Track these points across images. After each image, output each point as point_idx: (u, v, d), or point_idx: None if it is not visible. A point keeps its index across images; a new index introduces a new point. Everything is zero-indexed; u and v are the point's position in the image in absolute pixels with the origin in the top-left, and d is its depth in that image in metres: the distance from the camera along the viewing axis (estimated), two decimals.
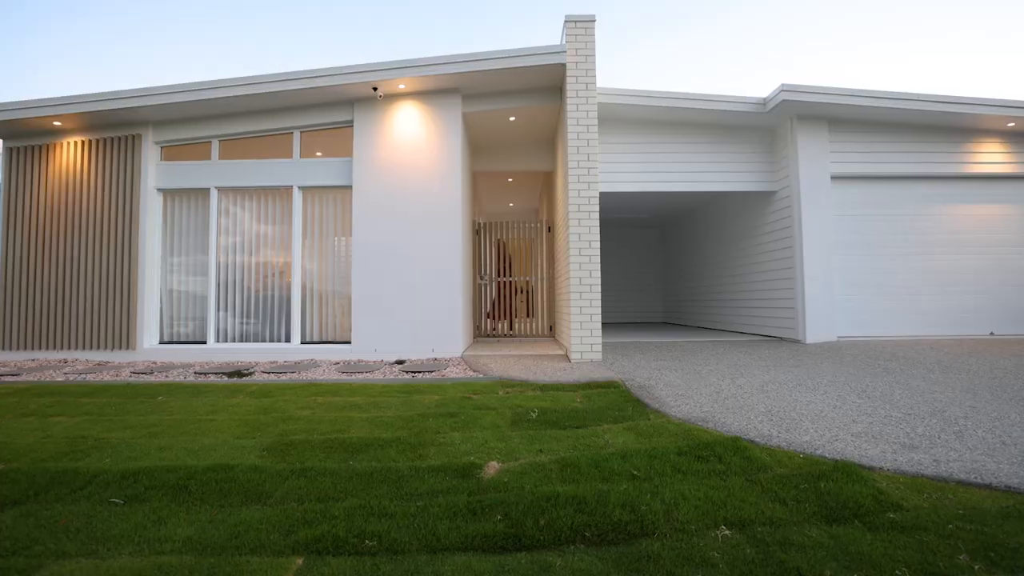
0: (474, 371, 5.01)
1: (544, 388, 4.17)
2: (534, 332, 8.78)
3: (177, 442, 2.98)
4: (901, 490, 2.01)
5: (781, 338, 7.38)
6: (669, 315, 13.33)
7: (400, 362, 5.81)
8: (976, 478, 2.07)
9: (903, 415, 3.01)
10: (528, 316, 9.19)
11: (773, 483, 2.12)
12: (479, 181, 9.54)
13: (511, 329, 8.93)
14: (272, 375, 5.05)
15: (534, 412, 3.39)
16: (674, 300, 12.92)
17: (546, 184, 9.34)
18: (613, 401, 3.64)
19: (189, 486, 2.31)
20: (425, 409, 3.60)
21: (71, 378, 5.10)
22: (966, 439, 2.54)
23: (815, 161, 7.01)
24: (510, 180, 9.74)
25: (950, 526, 1.72)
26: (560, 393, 3.96)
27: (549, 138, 7.89)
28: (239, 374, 5.08)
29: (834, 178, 7.12)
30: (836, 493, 1.99)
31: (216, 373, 5.15)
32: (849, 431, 2.72)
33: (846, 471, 2.17)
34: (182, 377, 5.04)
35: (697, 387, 3.95)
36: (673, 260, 13.01)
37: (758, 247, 8.16)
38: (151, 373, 5.25)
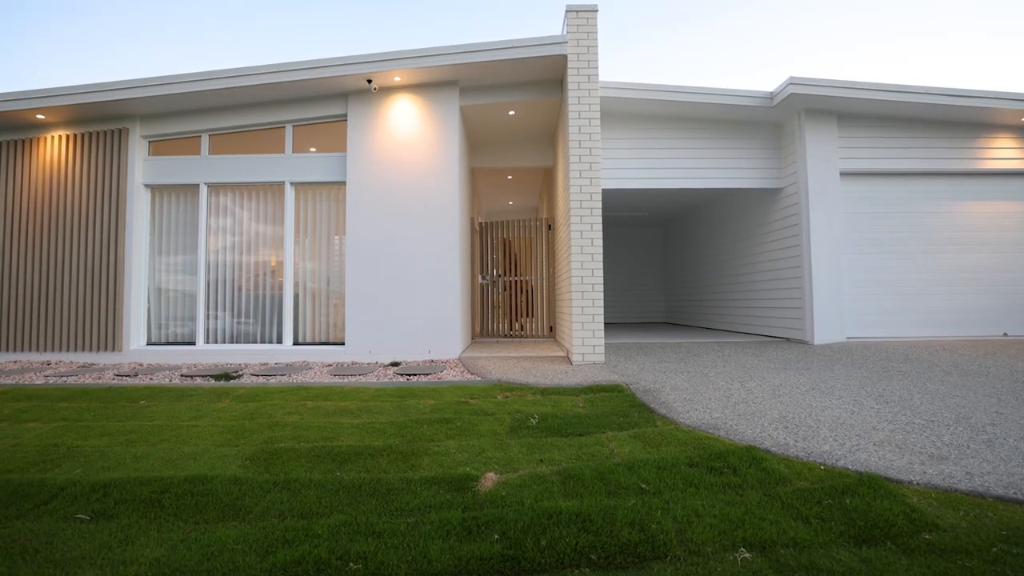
0: (472, 374, 4.86)
1: (545, 392, 4.02)
2: (534, 333, 8.64)
3: (155, 450, 2.82)
4: (935, 507, 1.86)
5: (788, 339, 7.24)
6: (671, 315, 13.19)
7: (395, 364, 5.66)
8: (1015, 493, 1.92)
9: (926, 422, 2.86)
10: (528, 316, 9.04)
11: (794, 498, 1.97)
12: (478, 178, 9.39)
13: (511, 329, 8.79)
14: (261, 378, 4.90)
15: (534, 418, 3.25)
16: (676, 300, 12.77)
17: (546, 181, 9.19)
18: (617, 406, 3.49)
19: (163, 500, 2.16)
20: (419, 415, 3.45)
21: (51, 381, 4.95)
22: (997, 449, 2.39)
23: (823, 157, 6.87)
24: (509, 177, 9.59)
25: (994, 549, 1.57)
26: (561, 397, 3.81)
27: (550, 133, 7.74)
28: (227, 377, 4.92)
29: (843, 174, 6.97)
30: (864, 510, 1.84)
31: (203, 376, 4.99)
32: (871, 440, 2.58)
33: (872, 485, 2.02)
34: (167, 380, 4.89)
35: (705, 391, 3.81)
36: (675, 259, 12.86)
37: (764, 245, 8.02)
38: (135, 376, 5.09)
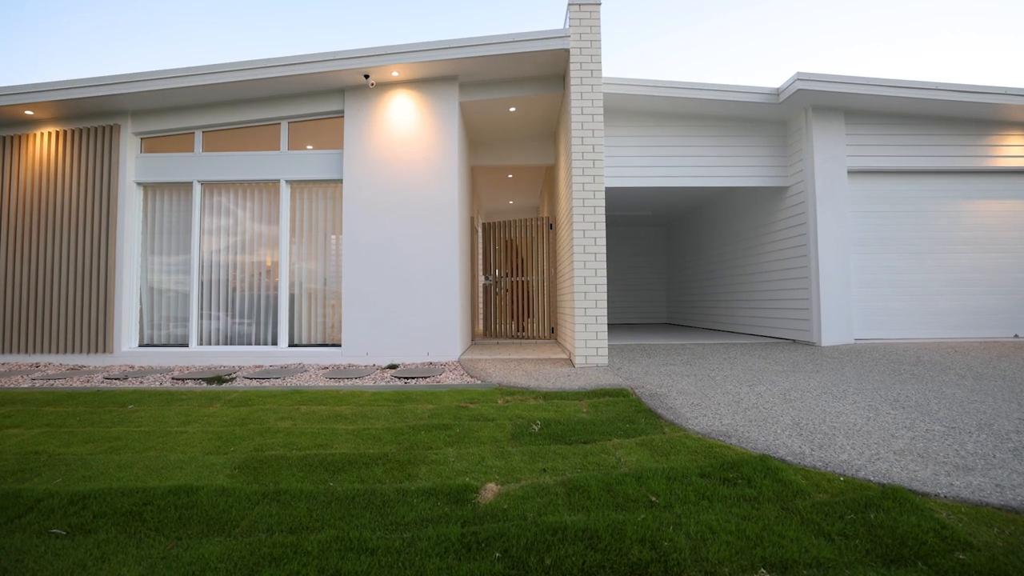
0: (471, 377, 4.75)
1: (547, 396, 3.91)
2: (536, 334, 8.53)
3: (140, 458, 2.72)
4: (966, 523, 1.76)
5: (794, 340, 7.13)
6: (673, 316, 13.09)
7: (393, 367, 5.55)
8: None
9: (946, 429, 2.76)
10: (529, 317, 8.93)
11: (814, 513, 1.87)
12: (478, 177, 9.29)
13: (512, 331, 8.69)
14: (254, 381, 4.79)
15: (536, 424, 3.14)
16: (678, 300, 12.67)
17: (547, 180, 9.09)
18: (623, 411, 3.39)
19: (144, 513, 2.06)
20: (417, 420, 3.34)
21: (38, 384, 4.84)
22: None
23: (831, 155, 6.76)
24: (510, 176, 9.48)
25: None
26: (564, 402, 3.70)
27: (551, 130, 7.64)
28: (219, 380, 4.81)
29: (851, 172, 6.87)
30: (890, 526, 1.74)
31: (195, 379, 4.89)
32: (890, 448, 2.47)
33: (897, 498, 1.91)
34: (158, 383, 4.78)
35: (713, 395, 3.70)
36: (677, 259, 12.76)
37: (769, 245, 7.91)
38: (125, 379, 4.98)
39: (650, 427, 3.02)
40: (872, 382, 4.07)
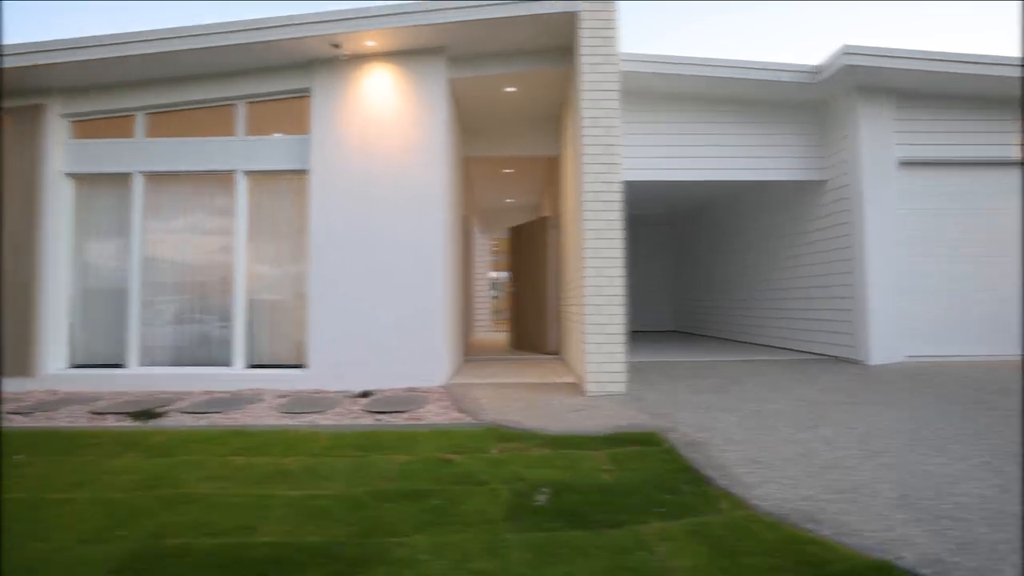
0: (459, 411, 4.02)
1: (554, 443, 3.18)
2: (539, 349, 7.81)
3: None
4: None
5: (836, 357, 6.42)
6: (681, 323, 12.37)
7: (366, 394, 4.81)
8: None
9: None
10: (529, 330, 8.20)
11: None
12: (472, 171, 8.58)
13: (518, 345, 7.98)
14: (191, 416, 4.05)
15: (543, 492, 2.42)
16: (688, 306, 11.95)
17: (551, 174, 8.38)
18: (657, 470, 2.66)
19: None
20: (383, 482, 2.61)
21: None
22: None
23: (879, 144, 6.07)
24: (508, 171, 8.79)
25: None
26: (578, 452, 2.97)
27: (555, 115, 6.94)
28: (148, 415, 4.06)
29: (902, 164, 6.16)
30: None
31: (118, 413, 4.13)
32: None
33: None
34: (70, 420, 4.01)
35: (770, 443, 2.98)
36: (687, 261, 12.04)
37: (803, 247, 7.21)
38: (33, 412, 4.22)
39: (699, 499, 2.30)
40: (963, 421, 3.36)
